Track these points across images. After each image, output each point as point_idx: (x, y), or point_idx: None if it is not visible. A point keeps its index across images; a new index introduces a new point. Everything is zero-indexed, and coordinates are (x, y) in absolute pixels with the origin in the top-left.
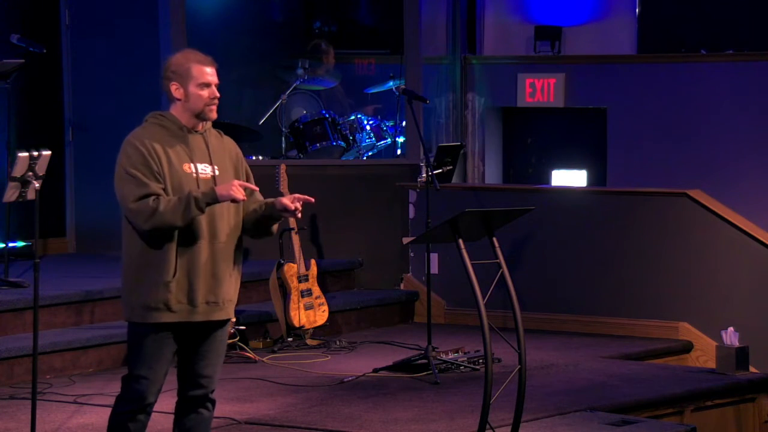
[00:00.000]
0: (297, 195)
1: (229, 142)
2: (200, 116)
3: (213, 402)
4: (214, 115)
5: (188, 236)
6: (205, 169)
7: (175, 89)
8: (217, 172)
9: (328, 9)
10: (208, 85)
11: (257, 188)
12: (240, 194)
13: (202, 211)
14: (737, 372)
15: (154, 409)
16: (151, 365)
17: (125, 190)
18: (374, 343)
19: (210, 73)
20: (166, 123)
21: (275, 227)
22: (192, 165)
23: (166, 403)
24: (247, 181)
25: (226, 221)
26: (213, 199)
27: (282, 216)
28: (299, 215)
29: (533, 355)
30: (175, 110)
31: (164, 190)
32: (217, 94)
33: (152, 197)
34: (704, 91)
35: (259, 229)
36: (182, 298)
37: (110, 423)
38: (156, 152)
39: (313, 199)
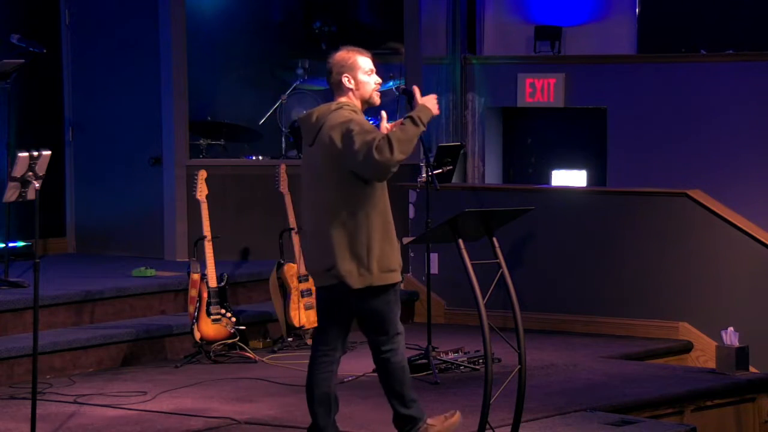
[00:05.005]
0: None
1: None
2: (368, 101)
3: None
4: (378, 100)
5: (386, 209)
6: None
7: (348, 80)
8: None
9: (328, 9)
10: (373, 71)
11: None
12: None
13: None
14: (737, 372)
15: (155, 409)
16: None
17: (367, 139)
18: None
19: (370, 62)
20: (357, 110)
21: None
22: None
23: (165, 402)
24: None
25: None
26: (429, 117)
27: None
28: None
29: (533, 355)
30: (347, 100)
31: None
32: (380, 80)
33: (380, 138)
34: (704, 91)
35: None
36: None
37: (401, 369)
38: None
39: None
